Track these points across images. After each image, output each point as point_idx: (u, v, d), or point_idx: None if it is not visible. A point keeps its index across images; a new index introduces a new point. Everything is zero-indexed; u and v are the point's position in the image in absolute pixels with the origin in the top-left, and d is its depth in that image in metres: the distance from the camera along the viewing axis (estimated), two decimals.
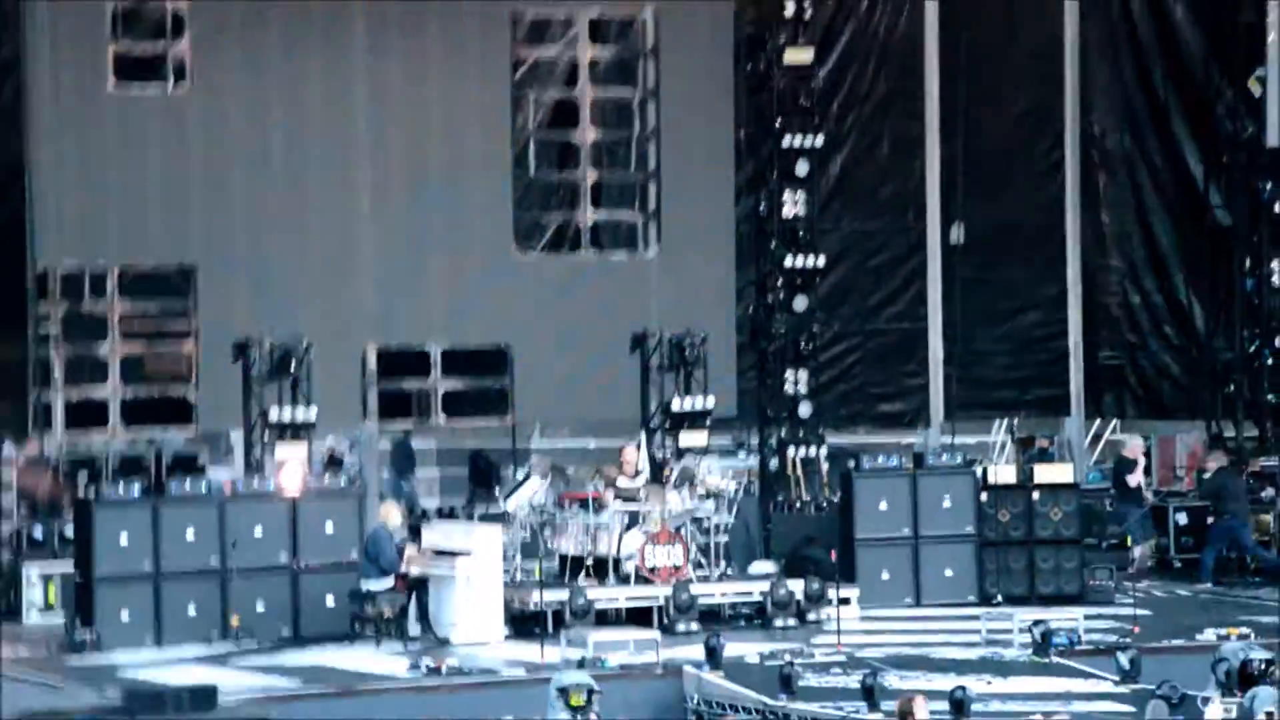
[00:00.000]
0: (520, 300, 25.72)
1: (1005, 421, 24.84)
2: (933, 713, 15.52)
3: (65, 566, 21.26)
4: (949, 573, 22.71)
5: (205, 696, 17.82)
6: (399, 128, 25.59)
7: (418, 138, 25.67)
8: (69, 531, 21.78)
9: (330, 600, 21.03)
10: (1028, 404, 26.25)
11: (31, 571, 21.43)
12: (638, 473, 21.66)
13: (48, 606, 21.27)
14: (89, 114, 24.49)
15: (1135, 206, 27.25)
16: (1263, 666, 16.94)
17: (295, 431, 21.81)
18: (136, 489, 21.03)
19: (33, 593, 21.34)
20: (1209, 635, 19.81)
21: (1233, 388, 25.78)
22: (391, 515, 21.26)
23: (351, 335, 24.99)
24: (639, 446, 22.02)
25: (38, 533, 22.84)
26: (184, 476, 21.91)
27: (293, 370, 21.96)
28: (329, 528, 21.22)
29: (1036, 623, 19.72)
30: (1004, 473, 23.16)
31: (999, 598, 22.39)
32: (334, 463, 22.63)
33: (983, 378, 26.77)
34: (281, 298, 24.46)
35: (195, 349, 24.46)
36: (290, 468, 21.49)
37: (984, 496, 22.86)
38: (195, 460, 23.74)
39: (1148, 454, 25.63)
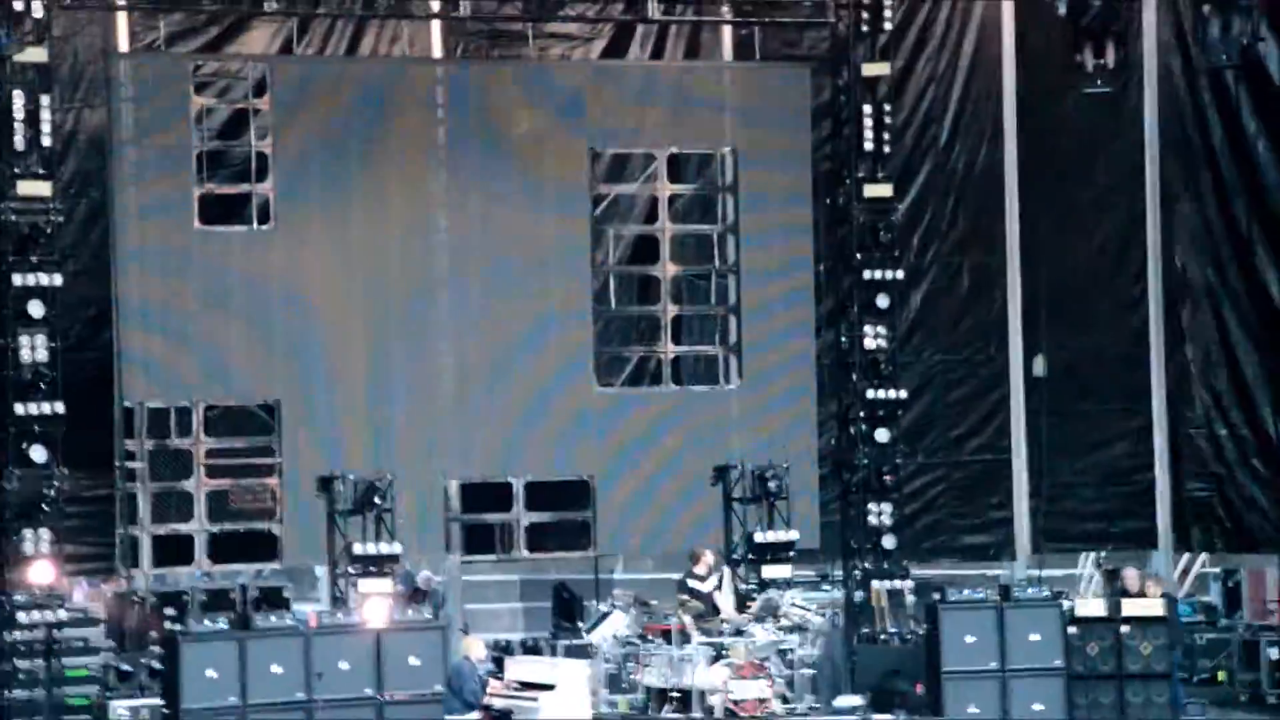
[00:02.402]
0: (602, 434, 25.80)
1: (1092, 554, 24.61)
2: None
3: (153, 701, 21.21)
4: (1038, 706, 22.44)
5: None
6: (479, 263, 25.81)
7: (497, 273, 25.87)
8: (156, 665, 21.77)
9: None
10: (1114, 537, 26.01)
11: (119, 706, 21.38)
12: (710, 573, 21.55)
13: None
14: (175, 254, 24.83)
15: (1220, 339, 27.10)
16: None
17: (379, 565, 21.80)
18: (223, 623, 21.01)
19: None
20: None
21: None
22: (475, 648, 21.21)
23: (434, 469, 25.10)
24: (715, 552, 21.95)
25: (125, 666, 22.84)
26: (270, 610, 21.86)
27: (376, 504, 21.98)
28: (413, 660, 21.14)
29: None
30: (1092, 605, 22.91)
31: None
32: (418, 595, 22.58)
33: (1068, 510, 26.57)
34: (364, 433, 24.61)
35: (279, 484, 24.64)
36: (375, 601, 21.47)
37: (1072, 630, 22.61)
38: (281, 594, 23.75)
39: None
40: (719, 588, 21.60)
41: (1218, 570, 26.15)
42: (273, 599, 23.45)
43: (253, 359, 24.96)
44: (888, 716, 21.22)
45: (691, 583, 21.50)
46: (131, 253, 24.48)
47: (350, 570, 21.91)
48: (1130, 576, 23.18)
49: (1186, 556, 26.78)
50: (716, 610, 21.47)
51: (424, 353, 25.52)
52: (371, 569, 21.84)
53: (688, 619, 21.29)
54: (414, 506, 23.44)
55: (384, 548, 21.98)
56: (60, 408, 22.24)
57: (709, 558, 21.80)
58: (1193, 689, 23.81)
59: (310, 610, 21.69)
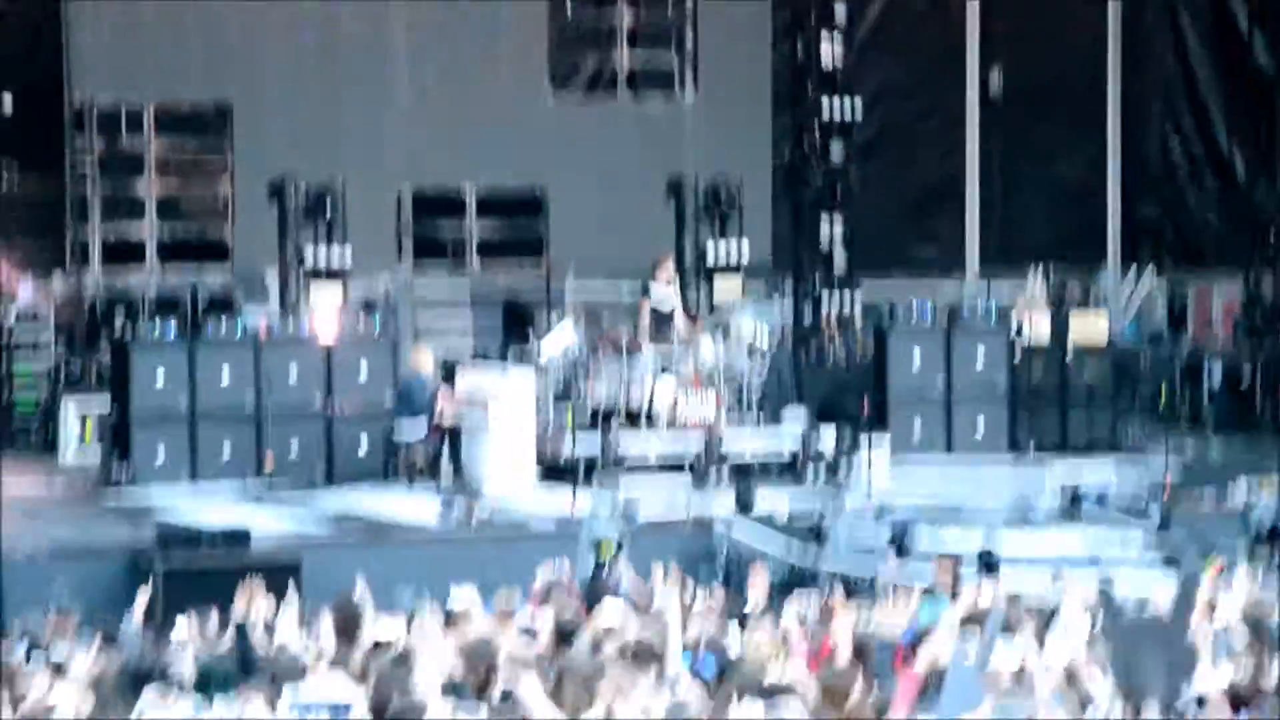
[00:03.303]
0: (556, 144, 25.64)
1: (1040, 269, 24.62)
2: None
3: (103, 401, 21.25)
4: (981, 425, 22.68)
5: (238, 539, 17.96)
6: None
7: None
8: (106, 368, 21.79)
9: (364, 444, 21.08)
10: (1064, 254, 25.97)
11: (69, 405, 21.44)
12: (670, 283, 21.53)
13: (84, 443, 21.29)
14: None
15: (1178, 57, 26.91)
16: None
17: (330, 274, 21.76)
18: (173, 330, 21.00)
19: (70, 428, 21.36)
20: (1242, 484, 19.72)
21: (1273, 238, 25.35)
22: (424, 359, 21.24)
23: (387, 176, 24.99)
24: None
25: (75, 368, 22.87)
26: (220, 316, 21.81)
27: (328, 211, 21.87)
28: (363, 373, 21.21)
29: (1066, 486, 19.70)
30: (1039, 327, 23.01)
31: (1030, 447, 22.38)
32: (369, 307, 22.57)
33: (1020, 228, 26.59)
34: (317, 137, 24.43)
35: (231, 188, 24.52)
36: (325, 313, 21.45)
37: (1018, 356, 22.76)
38: (231, 300, 23.72)
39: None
40: (676, 298, 21.60)
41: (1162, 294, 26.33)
42: (223, 305, 23.44)
43: (206, 62, 24.70)
44: (832, 429, 21.27)
45: (653, 286, 21.44)
46: None
47: (301, 279, 21.82)
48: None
49: (1133, 280, 26.85)
50: (670, 320, 21.46)
51: (379, 60, 25.26)
52: (322, 277, 21.74)
53: (643, 323, 21.26)
54: (366, 214, 23.28)
55: (335, 256, 21.86)
56: (8, 105, 22.06)
57: (670, 266, 21.76)
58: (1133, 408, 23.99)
59: (260, 318, 21.66)
